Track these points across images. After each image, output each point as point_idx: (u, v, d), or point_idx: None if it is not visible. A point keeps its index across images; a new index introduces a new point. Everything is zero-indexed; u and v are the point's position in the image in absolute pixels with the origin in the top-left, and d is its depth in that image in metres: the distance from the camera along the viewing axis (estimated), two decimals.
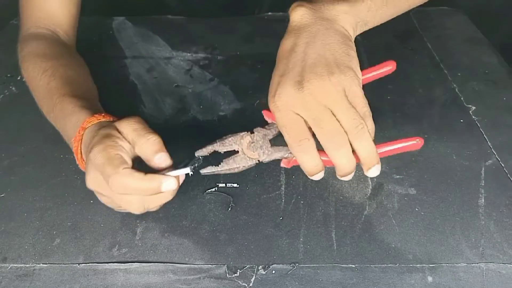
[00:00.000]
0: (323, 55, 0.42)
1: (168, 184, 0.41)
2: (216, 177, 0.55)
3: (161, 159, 0.43)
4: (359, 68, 0.43)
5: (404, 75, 0.72)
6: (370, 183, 0.54)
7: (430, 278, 0.44)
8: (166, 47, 0.80)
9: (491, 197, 0.52)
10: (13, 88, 0.71)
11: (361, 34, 0.84)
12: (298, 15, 0.46)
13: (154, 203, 0.45)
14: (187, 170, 0.44)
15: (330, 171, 0.55)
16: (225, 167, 0.46)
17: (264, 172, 0.56)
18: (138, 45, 0.81)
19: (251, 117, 0.64)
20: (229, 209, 0.51)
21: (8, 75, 0.73)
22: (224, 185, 0.54)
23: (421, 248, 0.47)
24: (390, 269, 0.45)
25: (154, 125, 0.63)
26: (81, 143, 0.47)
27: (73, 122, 0.48)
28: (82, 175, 0.55)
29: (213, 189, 0.54)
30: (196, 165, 0.45)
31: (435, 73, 0.73)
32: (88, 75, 0.61)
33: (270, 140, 0.46)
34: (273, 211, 0.51)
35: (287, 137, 0.42)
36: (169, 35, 0.83)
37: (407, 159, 0.57)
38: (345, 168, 0.42)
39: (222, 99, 0.68)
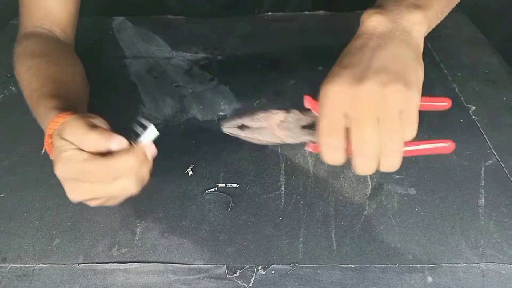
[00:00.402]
0: (392, 64, 0.40)
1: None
2: (216, 177, 0.55)
3: (117, 142, 0.41)
4: (421, 89, 0.41)
5: None
6: (370, 183, 0.54)
7: (430, 278, 0.44)
8: (166, 47, 0.80)
9: (491, 197, 0.52)
10: (13, 88, 0.71)
11: None
12: (374, 21, 0.43)
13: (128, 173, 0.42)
14: (153, 129, 0.42)
15: (330, 171, 0.55)
16: (249, 134, 0.44)
17: (264, 172, 0.56)
18: (138, 45, 0.81)
19: None
20: (229, 209, 0.51)
21: (8, 75, 0.73)
22: (223, 185, 0.54)
23: (420, 248, 0.47)
24: (390, 269, 0.45)
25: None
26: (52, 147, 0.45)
27: (45, 124, 0.47)
28: None
29: (213, 189, 0.54)
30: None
31: (435, 73, 0.73)
32: (77, 74, 0.60)
33: (302, 126, 0.45)
34: (273, 211, 0.51)
35: (320, 125, 0.40)
36: (169, 35, 0.83)
37: (407, 159, 0.56)
38: (362, 171, 0.41)
39: (222, 99, 0.68)
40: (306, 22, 0.86)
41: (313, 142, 0.44)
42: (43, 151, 0.46)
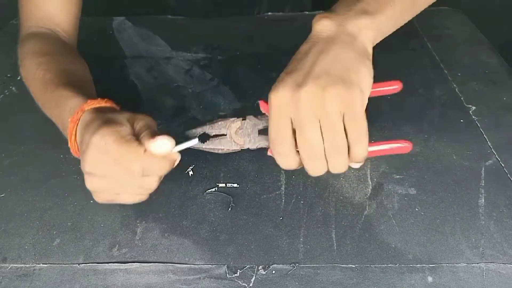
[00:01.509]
0: (332, 67, 0.41)
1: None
2: (216, 177, 0.55)
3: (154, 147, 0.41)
4: (368, 88, 0.42)
5: (404, 75, 0.72)
6: (370, 183, 0.54)
7: (430, 278, 0.44)
8: (166, 47, 0.80)
9: (491, 197, 0.52)
10: (13, 88, 0.71)
11: None
12: (321, 25, 0.45)
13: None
14: (195, 141, 0.43)
15: None
16: (209, 145, 0.47)
17: (264, 172, 0.56)
18: (138, 45, 0.81)
19: None
20: (229, 209, 0.51)
21: (8, 75, 0.73)
22: (224, 185, 0.54)
23: (421, 248, 0.47)
24: (390, 269, 0.45)
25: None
26: (77, 124, 0.45)
27: (70, 106, 0.47)
28: (82, 175, 0.55)
29: (213, 189, 0.54)
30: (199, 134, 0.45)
31: (435, 73, 0.73)
32: (86, 72, 0.60)
33: (260, 130, 0.47)
34: (273, 211, 0.51)
35: (270, 132, 0.42)
36: (169, 35, 0.83)
37: (407, 159, 0.57)
38: (313, 172, 0.43)
39: (222, 99, 0.68)
40: (306, 22, 0.86)
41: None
42: (73, 133, 0.46)
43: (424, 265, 0.45)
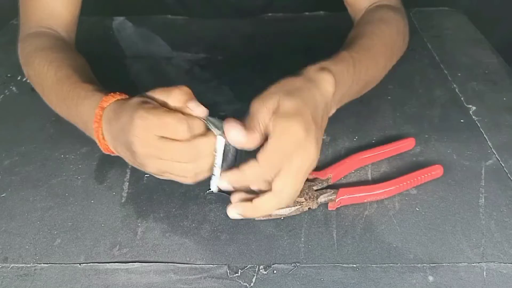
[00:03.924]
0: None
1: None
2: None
3: (193, 106, 0.44)
4: None
5: (404, 75, 0.72)
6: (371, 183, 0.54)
7: (431, 278, 0.44)
8: (166, 47, 0.80)
9: (491, 197, 0.52)
10: (13, 88, 0.71)
11: None
12: (330, 85, 0.47)
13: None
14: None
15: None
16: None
17: None
18: (138, 45, 0.81)
19: None
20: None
21: (8, 75, 0.73)
22: None
23: (422, 247, 0.47)
24: (391, 269, 0.45)
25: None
26: (101, 125, 0.47)
27: (88, 105, 0.48)
28: (82, 175, 0.55)
29: None
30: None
31: (435, 73, 0.73)
32: (90, 70, 0.61)
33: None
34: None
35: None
36: (169, 35, 0.83)
37: (407, 159, 0.57)
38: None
39: (222, 99, 0.68)
40: (306, 22, 0.87)
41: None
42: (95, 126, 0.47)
43: (425, 264, 0.45)
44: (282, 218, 0.49)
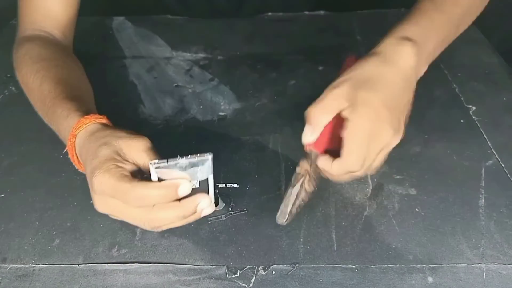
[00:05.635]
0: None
1: (184, 188, 0.39)
2: (216, 178, 0.55)
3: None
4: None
5: None
6: (371, 183, 0.54)
7: (430, 279, 0.44)
8: (166, 47, 0.80)
9: (491, 197, 0.52)
10: (13, 88, 0.71)
11: (362, 34, 0.84)
12: (411, 58, 0.47)
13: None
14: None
15: None
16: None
17: (264, 172, 0.55)
18: (138, 45, 0.81)
19: (251, 117, 0.64)
20: (229, 209, 0.51)
21: (8, 75, 0.73)
22: (224, 185, 0.54)
23: (421, 248, 0.47)
24: (391, 270, 0.45)
25: (154, 125, 0.63)
26: (74, 150, 0.45)
27: (64, 126, 0.47)
28: (82, 175, 0.55)
29: None
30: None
31: (435, 73, 0.73)
32: (82, 75, 0.60)
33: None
34: (273, 212, 0.51)
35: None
36: (169, 35, 0.83)
37: (407, 159, 0.57)
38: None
39: (222, 99, 0.68)
40: (306, 22, 0.86)
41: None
42: (64, 151, 0.46)
43: (424, 265, 0.45)
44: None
